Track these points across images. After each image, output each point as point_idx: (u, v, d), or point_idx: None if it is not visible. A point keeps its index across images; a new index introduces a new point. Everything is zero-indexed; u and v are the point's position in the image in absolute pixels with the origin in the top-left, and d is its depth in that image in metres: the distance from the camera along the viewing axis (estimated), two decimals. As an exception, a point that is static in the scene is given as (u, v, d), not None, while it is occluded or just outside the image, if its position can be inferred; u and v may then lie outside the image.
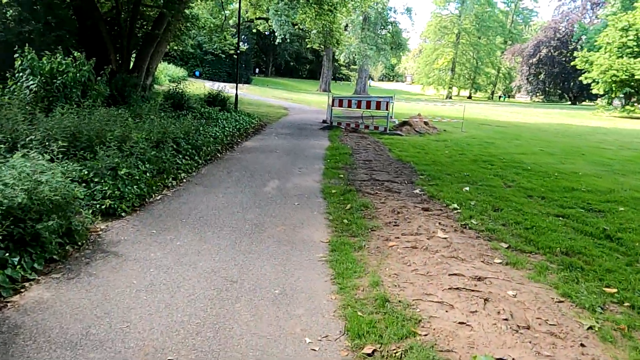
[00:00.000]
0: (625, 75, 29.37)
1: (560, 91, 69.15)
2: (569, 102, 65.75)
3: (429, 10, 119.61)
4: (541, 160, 10.67)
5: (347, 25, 46.13)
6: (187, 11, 18.11)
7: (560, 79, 64.25)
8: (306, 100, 32.01)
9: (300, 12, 24.09)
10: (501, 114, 30.19)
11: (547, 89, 67.44)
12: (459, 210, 5.90)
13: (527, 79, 66.60)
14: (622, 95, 34.12)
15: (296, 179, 7.76)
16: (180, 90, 13.78)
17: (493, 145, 13.06)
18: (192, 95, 17.94)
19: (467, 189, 7.14)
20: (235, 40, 25.24)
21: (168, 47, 23.36)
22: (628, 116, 31.64)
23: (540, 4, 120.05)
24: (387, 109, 14.71)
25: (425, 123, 15.96)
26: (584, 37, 59.70)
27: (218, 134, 10.78)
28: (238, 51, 16.75)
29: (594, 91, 34.43)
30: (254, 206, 5.96)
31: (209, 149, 9.25)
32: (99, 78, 11.34)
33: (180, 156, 8.02)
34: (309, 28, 25.49)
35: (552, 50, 63.52)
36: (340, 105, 15.76)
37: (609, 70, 30.07)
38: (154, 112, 11.00)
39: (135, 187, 5.75)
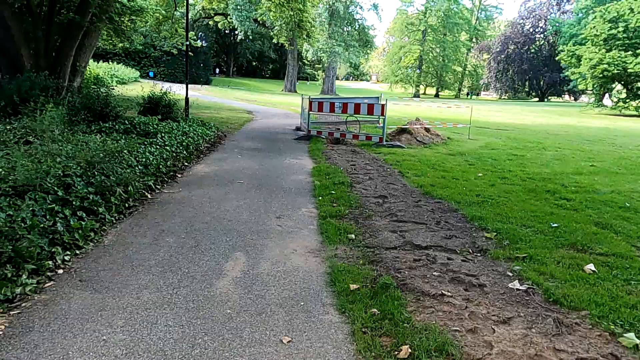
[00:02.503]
0: (617, 70, 27.20)
1: (528, 89, 68.42)
2: (537, 99, 64.75)
3: (394, 7, 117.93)
4: (616, 184, 7.63)
5: (314, 20, 42.91)
6: None
7: (528, 75, 63.25)
8: (272, 102, 28.76)
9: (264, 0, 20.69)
10: (487, 114, 27.54)
11: (516, 86, 66.40)
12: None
13: (496, 75, 65.25)
14: (595, 92, 31.84)
15: (276, 249, 4.37)
16: (104, 94, 9.95)
17: (525, 159, 10.02)
18: (131, 98, 14.20)
19: (593, 268, 3.93)
20: (190, 35, 21.49)
21: (111, 43, 19.43)
22: (620, 114, 29.61)
23: (503, 1, 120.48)
24: (381, 114, 11.47)
25: (427, 130, 12.81)
26: (551, 36, 58.65)
27: (152, 158, 7.20)
28: (187, 42, 13.11)
29: (580, 87, 32.29)
30: (191, 365, 2.54)
31: (129, 189, 5.69)
32: (-35, 77, 7.62)
33: (68, 213, 4.46)
34: (273, 19, 22.00)
35: (519, 47, 62.48)
36: (320, 109, 12.44)
37: (599, 65, 27.85)
38: (53, 126, 7.36)
39: None
